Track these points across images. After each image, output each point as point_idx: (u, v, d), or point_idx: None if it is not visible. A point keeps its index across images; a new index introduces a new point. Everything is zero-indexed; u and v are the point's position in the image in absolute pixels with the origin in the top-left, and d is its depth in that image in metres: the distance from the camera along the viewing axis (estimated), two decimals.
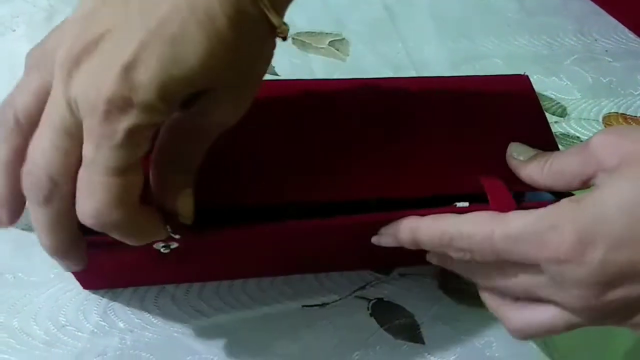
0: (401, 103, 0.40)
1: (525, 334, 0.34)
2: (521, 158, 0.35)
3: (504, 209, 0.32)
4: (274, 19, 0.27)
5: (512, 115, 0.40)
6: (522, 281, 0.32)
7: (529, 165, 0.34)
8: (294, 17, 0.59)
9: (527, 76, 0.42)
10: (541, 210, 0.30)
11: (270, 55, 0.30)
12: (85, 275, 0.37)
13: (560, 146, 0.52)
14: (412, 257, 0.38)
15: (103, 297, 0.39)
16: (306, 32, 0.58)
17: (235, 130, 0.30)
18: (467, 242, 0.32)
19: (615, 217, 0.28)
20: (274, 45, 0.29)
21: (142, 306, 0.39)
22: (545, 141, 0.38)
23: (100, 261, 0.34)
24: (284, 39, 0.29)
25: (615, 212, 0.28)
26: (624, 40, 0.62)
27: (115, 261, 0.35)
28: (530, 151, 0.35)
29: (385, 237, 0.35)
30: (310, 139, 0.37)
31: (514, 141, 0.37)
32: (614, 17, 0.63)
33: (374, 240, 0.36)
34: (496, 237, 0.30)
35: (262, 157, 0.36)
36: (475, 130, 0.39)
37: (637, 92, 0.58)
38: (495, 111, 0.40)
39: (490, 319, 0.41)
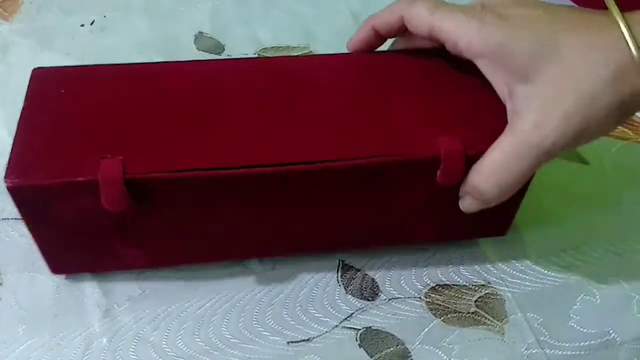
0: (356, 73, 0.40)
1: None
2: None
3: (453, 175, 0.35)
4: None
5: (473, 77, 0.38)
6: None
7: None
8: (259, 33, 0.58)
9: None
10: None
11: None
12: (53, 255, 0.37)
13: None
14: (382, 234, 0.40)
15: (77, 350, 0.37)
16: (272, 47, 0.56)
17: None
18: None
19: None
20: None
21: (119, 357, 0.37)
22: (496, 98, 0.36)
23: (65, 230, 0.35)
24: None
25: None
26: None
27: (79, 231, 0.36)
28: None
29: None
30: (274, 107, 0.37)
31: (471, 100, 0.37)
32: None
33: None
34: None
35: (224, 125, 0.36)
36: (433, 93, 0.38)
37: None
38: (456, 74, 0.39)
39: (482, 338, 0.39)
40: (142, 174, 0.33)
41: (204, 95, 0.37)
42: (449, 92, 0.38)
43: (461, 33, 0.34)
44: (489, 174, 0.34)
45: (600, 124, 0.32)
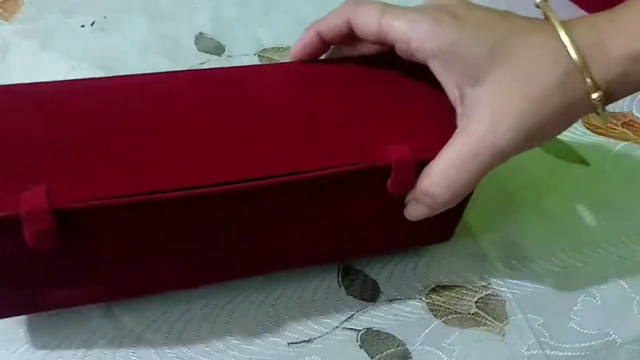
0: (302, 83, 0.38)
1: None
2: None
3: (404, 184, 0.35)
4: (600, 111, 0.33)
5: (421, 82, 0.37)
6: None
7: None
8: (259, 33, 0.58)
9: None
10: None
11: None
12: None
13: (540, 149, 0.51)
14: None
15: (78, 350, 0.37)
16: (272, 48, 0.56)
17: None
18: None
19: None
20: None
21: (120, 358, 0.37)
22: (445, 104, 0.35)
23: None
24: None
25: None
26: None
27: (4, 274, 0.32)
28: None
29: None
30: (215, 122, 0.34)
31: (419, 106, 0.37)
32: (587, 11, 0.62)
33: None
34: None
35: (170, 144, 0.33)
36: (382, 99, 0.37)
37: None
38: (404, 79, 0.38)
39: (483, 339, 0.39)
40: (71, 204, 0.29)
41: (138, 112, 0.34)
42: (397, 98, 0.37)
43: (414, 32, 0.33)
44: (441, 178, 0.33)
45: (552, 126, 0.33)
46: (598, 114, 0.33)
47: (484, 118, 0.32)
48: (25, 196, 0.28)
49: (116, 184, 0.30)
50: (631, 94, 0.34)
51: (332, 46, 0.39)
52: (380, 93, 0.37)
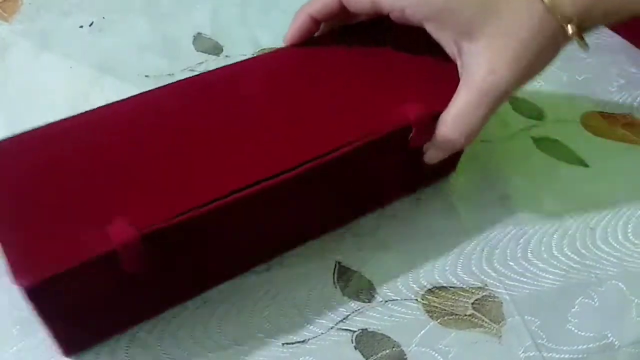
0: (307, 65, 0.40)
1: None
2: None
3: (424, 136, 0.39)
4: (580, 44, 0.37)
5: (417, 41, 0.40)
6: None
7: None
8: (258, 34, 0.58)
9: None
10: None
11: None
12: (66, 335, 0.35)
13: (539, 150, 0.51)
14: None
15: None
16: (271, 48, 0.56)
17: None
18: None
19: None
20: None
21: (113, 359, 0.37)
22: (445, 58, 0.39)
23: (74, 306, 0.33)
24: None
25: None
26: (596, 35, 0.60)
27: (96, 303, 0.34)
28: None
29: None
30: (234, 121, 0.36)
31: (423, 64, 0.40)
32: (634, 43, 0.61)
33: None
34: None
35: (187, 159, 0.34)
36: (385, 64, 0.40)
37: (614, 88, 0.57)
38: (399, 41, 0.41)
39: (479, 341, 0.39)
40: (154, 227, 0.31)
41: (162, 129, 0.35)
42: (400, 60, 0.40)
43: (406, 1, 0.37)
44: (455, 124, 0.38)
45: (541, 61, 0.38)
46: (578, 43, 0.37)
47: (483, 67, 0.37)
48: (114, 230, 0.30)
49: (180, 200, 0.32)
50: (605, 23, 0.39)
51: (322, 23, 0.41)
52: (384, 58, 0.40)
